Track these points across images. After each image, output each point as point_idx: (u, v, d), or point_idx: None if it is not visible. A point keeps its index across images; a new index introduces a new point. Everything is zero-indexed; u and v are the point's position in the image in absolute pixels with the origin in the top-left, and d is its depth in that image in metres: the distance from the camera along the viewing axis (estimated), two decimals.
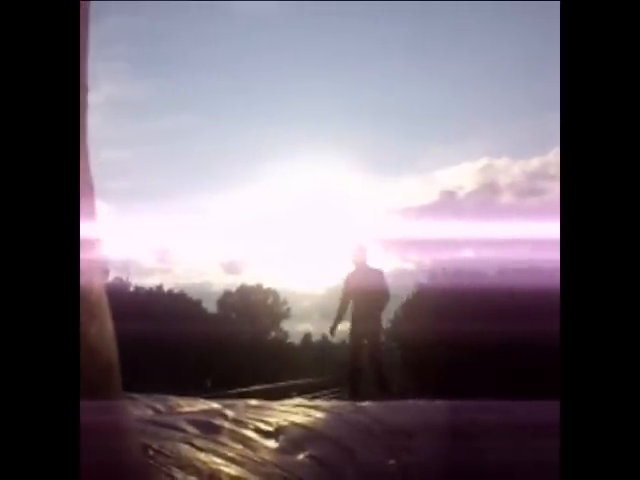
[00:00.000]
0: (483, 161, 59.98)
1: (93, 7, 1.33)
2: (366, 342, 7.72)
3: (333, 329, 7.92)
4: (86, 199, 1.32)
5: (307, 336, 39.03)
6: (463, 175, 61.73)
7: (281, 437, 2.25)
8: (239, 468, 1.74)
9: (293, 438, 2.31)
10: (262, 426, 2.31)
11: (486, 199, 43.20)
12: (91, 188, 1.35)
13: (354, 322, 7.76)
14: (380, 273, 8.01)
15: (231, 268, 56.23)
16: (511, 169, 57.07)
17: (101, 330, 1.34)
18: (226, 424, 2.20)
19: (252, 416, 2.49)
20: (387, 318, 30.02)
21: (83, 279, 1.25)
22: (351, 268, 7.96)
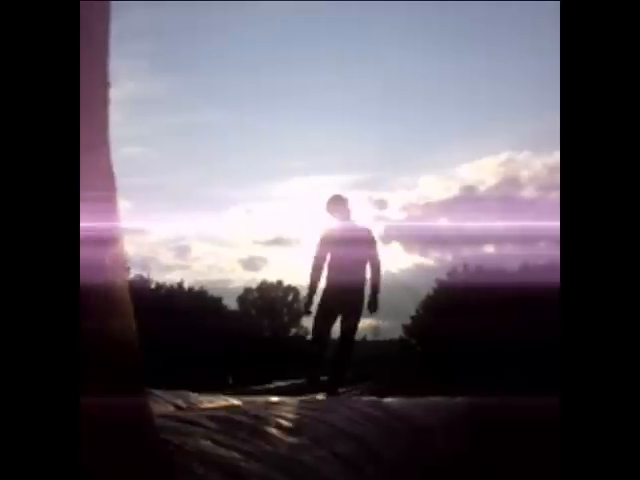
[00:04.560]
0: (504, 155, 59.58)
1: (112, 4, 1.34)
2: (340, 318, 6.10)
3: (307, 304, 6.27)
4: (109, 196, 1.33)
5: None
6: (484, 170, 61.29)
7: (302, 434, 2.25)
8: (260, 464, 1.74)
9: (315, 435, 2.31)
10: (283, 422, 2.31)
11: (507, 194, 42.92)
12: (114, 185, 1.35)
13: (327, 288, 6.09)
14: (368, 231, 6.32)
15: (250, 265, 56.44)
16: (533, 163, 56.64)
17: (124, 327, 1.34)
18: (247, 420, 2.21)
19: (273, 412, 2.49)
20: (407, 314, 30.02)
21: (106, 276, 1.26)
22: (329, 223, 6.27)
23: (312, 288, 6.13)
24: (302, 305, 6.52)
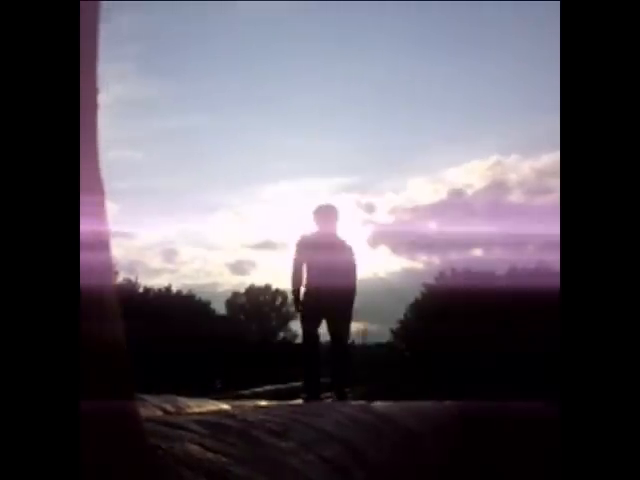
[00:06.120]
0: (492, 159, 59.93)
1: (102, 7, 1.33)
2: (327, 323, 6.09)
3: (297, 306, 6.15)
4: (97, 200, 1.32)
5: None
6: (472, 173, 61.70)
7: (290, 437, 2.25)
8: (248, 468, 1.74)
9: (302, 438, 2.31)
10: (271, 426, 2.31)
11: (495, 197, 43.17)
12: (102, 189, 1.35)
13: (309, 290, 6.00)
14: (350, 249, 6.26)
15: (239, 269, 56.39)
16: (521, 167, 56.99)
17: (113, 332, 1.34)
18: (235, 425, 2.20)
19: (261, 417, 2.49)
20: (395, 318, 30.05)
21: (94, 280, 1.25)
22: (312, 231, 6.23)
23: (296, 292, 6.09)
24: (293, 308, 6.56)
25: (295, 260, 6.07)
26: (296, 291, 6.10)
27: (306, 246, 6.04)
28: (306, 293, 6.05)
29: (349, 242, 6.31)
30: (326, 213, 6.23)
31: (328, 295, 5.87)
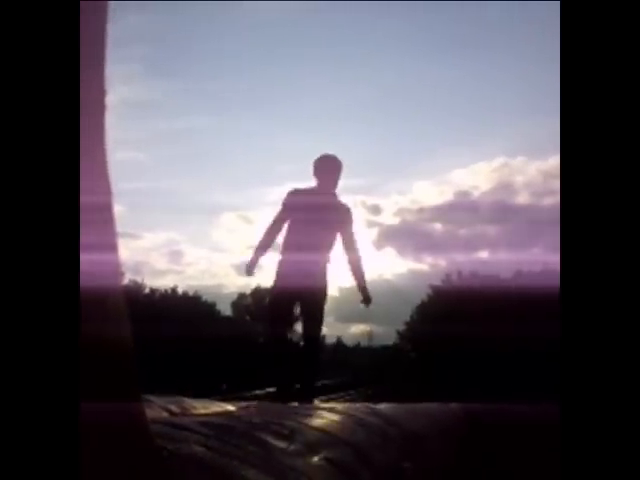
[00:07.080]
0: (498, 160, 59.90)
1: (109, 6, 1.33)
2: (302, 316, 5.28)
3: (250, 266, 5.17)
4: (105, 202, 1.33)
5: (321, 338, 39.01)
6: (478, 175, 61.58)
7: (296, 440, 2.25)
8: (253, 470, 1.74)
9: (308, 441, 2.31)
10: (277, 428, 2.31)
11: (501, 199, 43.12)
12: (110, 191, 1.35)
13: (283, 261, 5.10)
14: (348, 210, 5.25)
15: (244, 270, 56.30)
16: (527, 168, 56.91)
17: (120, 333, 1.34)
18: (241, 426, 2.20)
19: (267, 419, 2.49)
20: (402, 320, 30.04)
21: (100, 282, 1.26)
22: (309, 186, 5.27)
23: (258, 249, 5.18)
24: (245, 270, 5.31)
25: (275, 217, 5.17)
26: (259, 249, 5.16)
27: (293, 204, 5.14)
28: (277, 275, 5.19)
29: (346, 204, 5.30)
30: (325, 165, 5.20)
31: (300, 295, 5.15)
